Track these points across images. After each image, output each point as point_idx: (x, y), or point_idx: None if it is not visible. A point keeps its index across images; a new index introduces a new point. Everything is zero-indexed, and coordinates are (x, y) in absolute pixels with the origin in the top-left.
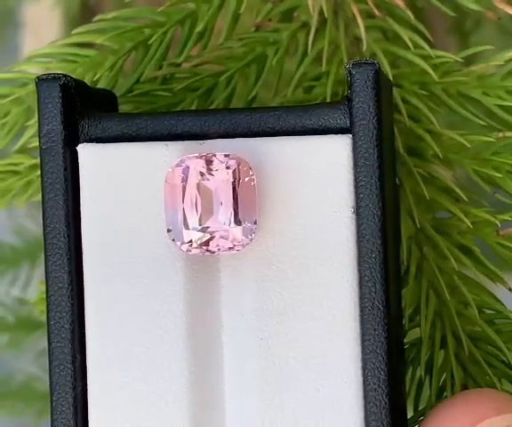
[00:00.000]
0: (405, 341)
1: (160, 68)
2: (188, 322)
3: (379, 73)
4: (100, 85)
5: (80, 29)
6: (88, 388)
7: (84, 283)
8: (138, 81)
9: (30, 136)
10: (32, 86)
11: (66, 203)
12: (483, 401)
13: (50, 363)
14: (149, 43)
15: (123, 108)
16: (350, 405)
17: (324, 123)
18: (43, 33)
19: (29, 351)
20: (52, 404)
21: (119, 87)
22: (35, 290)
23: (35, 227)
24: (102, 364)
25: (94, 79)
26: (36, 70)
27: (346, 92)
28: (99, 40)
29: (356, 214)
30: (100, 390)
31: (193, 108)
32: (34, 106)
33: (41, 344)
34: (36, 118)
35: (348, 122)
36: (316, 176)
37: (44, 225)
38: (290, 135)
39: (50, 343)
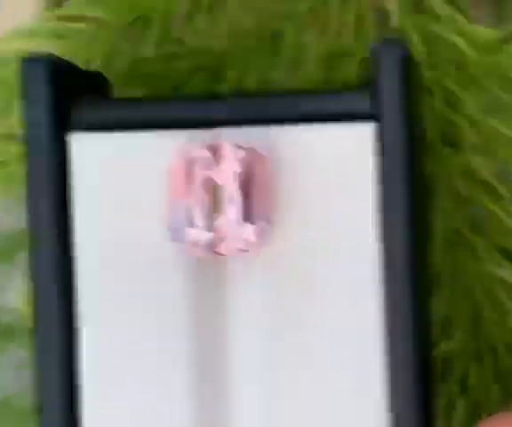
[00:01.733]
0: (437, 353)
1: (162, 42)
2: (190, 322)
3: (408, 54)
4: (95, 64)
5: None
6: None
7: (79, 280)
8: (136, 56)
9: (13, 120)
10: (16, 65)
11: (53, 198)
12: None
13: (37, 373)
14: (150, 16)
15: (125, 90)
16: (372, 415)
17: (345, 108)
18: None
19: (8, 362)
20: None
21: (115, 66)
22: (13, 294)
23: (13, 224)
24: (98, 367)
25: (88, 57)
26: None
27: (371, 75)
28: (92, 13)
29: (381, 206)
30: (95, 392)
31: (201, 89)
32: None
33: (20, 354)
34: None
35: (373, 108)
36: (337, 165)
37: (28, 219)
38: (308, 122)
39: (37, 341)
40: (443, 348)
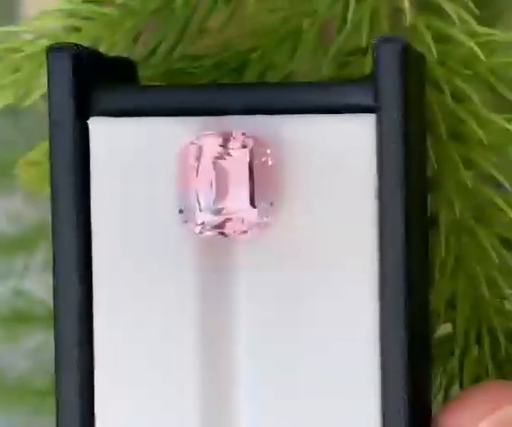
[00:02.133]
0: (438, 335)
1: (182, 35)
2: (199, 308)
3: (406, 50)
4: (118, 47)
5: None
6: (95, 377)
7: (93, 265)
8: (158, 46)
9: (41, 95)
10: (46, 42)
11: (75, 179)
12: (498, 392)
13: (56, 350)
14: (173, 6)
15: (144, 81)
16: (368, 415)
17: (347, 101)
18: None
19: (24, 345)
20: (57, 382)
21: (137, 52)
22: (31, 281)
23: (33, 214)
24: (110, 352)
25: (111, 41)
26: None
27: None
28: None
29: (379, 200)
30: (108, 379)
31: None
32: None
33: (37, 338)
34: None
35: (373, 101)
36: (337, 156)
37: (52, 203)
38: (311, 113)
39: (56, 329)
40: (444, 330)
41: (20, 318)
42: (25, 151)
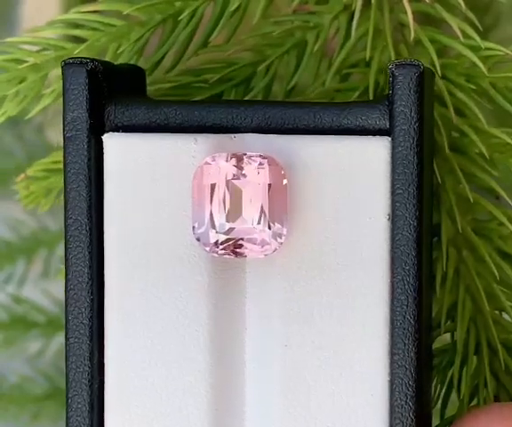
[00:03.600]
0: (437, 346)
1: (187, 47)
2: (210, 324)
3: (423, 75)
4: (124, 58)
5: None
6: (105, 386)
7: (105, 278)
8: (162, 58)
9: (45, 106)
10: (51, 53)
11: (89, 194)
12: (506, 414)
13: (67, 359)
14: (178, 19)
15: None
16: (375, 419)
17: (361, 123)
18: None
19: (24, 352)
20: (67, 400)
21: (142, 63)
22: (30, 288)
23: (31, 222)
24: (121, 362)
25: (118, 51)
26: (56, 36)
27: (387, 92)
28: (127, 10)
29: (392, 223)
30: (118, 389)
31: (230, 98)
32: (51, 73)
33: (36, 345)
34: (52, 87)
35: (388, 123)
36: (350, 179)
37: (65, 217)
38: (325, 134)
39: (67, 339)
40: (443, 340)
41: (19, 325)
42: (23, 160)
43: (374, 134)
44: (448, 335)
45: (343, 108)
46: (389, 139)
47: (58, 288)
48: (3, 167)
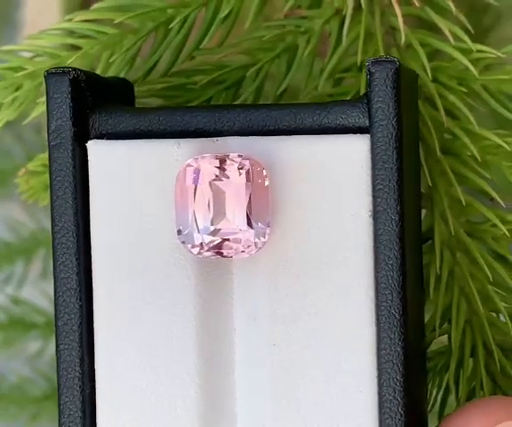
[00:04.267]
0: (433, 349)
1: (180, 52)
2: (199, 325)
3: (399, 71)
4: (117, 66)
5: (100, 5)
6: (96, 391)
7: (93, 284)
8: (155, 65)
9: (41, 113)
10: (47, 61)
11: (75, 201)
12: (497, 407)
13: (58, 365)
14: (170, 27)
15: (145, 101)
16: (364, 414)
17: (341, 122)
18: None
19: (23, 352)
20: (59, 407)
21: (135, 70)
22: (29, 288)
23: (31, 223)
24: (111, 367)
25: (110, 60)
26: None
27: (366, 90)
28: (119, 19)
29: (374, 219)
30: (109, 393)
31: (220, 101)
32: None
33: (35, 345)
34: None
35: (367, 121)
36: (332, 177)
37: (52, 223)
38: (306, 134)
39: (58, 345)
40: (439, 343)
41: (18, 326)
42: (23, 160)
43: (355, 132)
44: (443, 338)
45: (323, 108)
46: (369, 136)
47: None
48: (2, 167)
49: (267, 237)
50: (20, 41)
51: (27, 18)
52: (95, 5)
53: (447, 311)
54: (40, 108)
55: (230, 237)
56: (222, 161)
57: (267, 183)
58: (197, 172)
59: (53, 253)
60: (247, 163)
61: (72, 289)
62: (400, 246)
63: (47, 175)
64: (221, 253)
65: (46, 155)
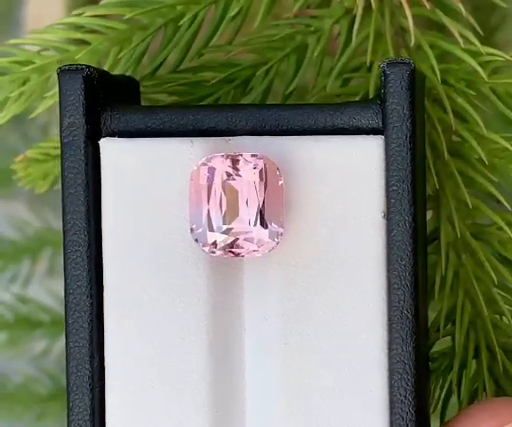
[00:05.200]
0: (436, 349)
1: (188, 49)
2: (210, 324)
3: (414, 73)
4: (125, 62)
5: (110, 0)
6: (106, 389)
7: (104, 282)
8: (163, 61)
9: (48, 111)
10: (54, 55)
11: (87, 199)
12: (502, 408)
13: (67, 363)
14: (180, 24)
15: (153, 97)
16: (375, 415)
17: (355, 122)
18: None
19: (29, 352)
20: (68, 404)
21: (143, 67)
22: (35, 287)
23: (37, 222)
24: (121, 365)
25: (119, 56)
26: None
27: (380, 91)
28: (128, 14)
29: (387, 220)
30: (119, 391)
31: (229, 99)
32: (54, 75)
33: (40, 344)
34: (55, 89)
35: (381, 122)
36: (345, 178)
37: (63, 221)
38: (319, 134)
39: (68, 343)
40: (443, 343)
41: (24, 325)
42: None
43: (368, 133)
44: (447, 339)
45: (337, 109)
46: (383, 137)
47: (63, 288)
48: (7, 166)
49: (280, 237)
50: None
51: (29, 16)
52: (104, 1)
53: (451, 313)
54: (48, 103)
55: (243, 236)
56: (235, 160)
57: (281, 183)
58: (211, 171)
59: (64, 251)
60: (261, 162)
61: (83, 287)
62: (413, 247)
63: (46, 165)
64: (234, 253)
65: (46, 143)
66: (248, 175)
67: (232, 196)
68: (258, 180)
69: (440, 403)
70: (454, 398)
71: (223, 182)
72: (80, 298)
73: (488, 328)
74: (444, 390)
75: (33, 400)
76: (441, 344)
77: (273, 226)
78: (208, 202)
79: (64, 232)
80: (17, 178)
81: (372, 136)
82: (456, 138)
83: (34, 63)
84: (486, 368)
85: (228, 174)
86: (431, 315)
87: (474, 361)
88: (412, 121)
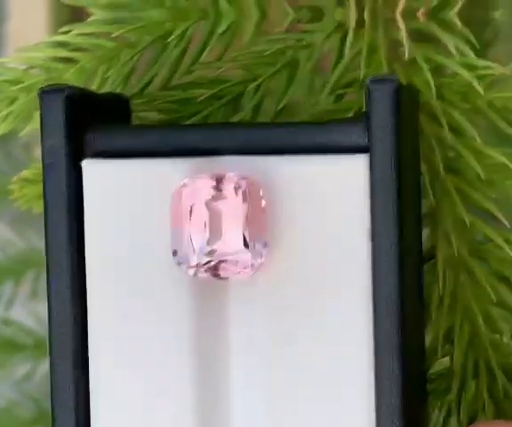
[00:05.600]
0: (435, 370)
1: (177, 66)
2: (193, 347)
3: (399, 90)
4: (113, 80)
5: (97, 17)
6: (90, 409)
7: (88, 304)
8: (152, 79)
9: (35, 127)
10: (42, 74)
11: (69, 221)
12: None
13: (51, 385)
14: (168, 40)
15: (142, 115)
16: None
17: (340, 141)
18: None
19: (12, 375)
20: (53, 424)
21: (132, 85)
22: (19, 309)
23: (20, 242)
24: (105, 386)
25: (107, 74)
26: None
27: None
28: (116, 32)
29: (372, 240)
30: (103, 411)
31: (219, 116)
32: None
33: (23, 368)
34: None
35: (366, 140)
36: (330, 197)
37: (46, 243)
38: (304, 153)
39: (52, 364)
40: (441, 364)
41: (7, 348)
42: (11, 179)
43: (353, 152)
44: (446, 360)
45: (321, 127)
46: (368, 155)
47: (46, 310)
48: None
49: (263, 258)
50: (7, 55)
51: (11, 32)
52: (91, 18)
53: (449, 332)
54: (35, 122)
55: (227, 258)
56: (219, 181)
57: (264, 203)
58: (193, 191)
59: (47, 273)
60: (244, 183)
61: (67, 308)
62: (399, 268)
63: (41, 184)
64: (218, 275)
65: (41, 164)
66: (231, 196)
67: (215, 217)
68: (241, 201)
69: (439, 425)
70: (454, 420)
71: (206, 203)
72: (64, 319)
73: (487, 348)
74: (444, 411)
75: (16, 425)
76: (439, 365)
77: (257, 247)
78: (190, 224)
79: (47, 254)
80: (13, 198)
81: (357, 155)
82: (452, 154)
83: (22, 82)
84: (486, 389)
85: (211, 195)
86: (428, 335)
87: (473, 382)
88: (397, 138)
